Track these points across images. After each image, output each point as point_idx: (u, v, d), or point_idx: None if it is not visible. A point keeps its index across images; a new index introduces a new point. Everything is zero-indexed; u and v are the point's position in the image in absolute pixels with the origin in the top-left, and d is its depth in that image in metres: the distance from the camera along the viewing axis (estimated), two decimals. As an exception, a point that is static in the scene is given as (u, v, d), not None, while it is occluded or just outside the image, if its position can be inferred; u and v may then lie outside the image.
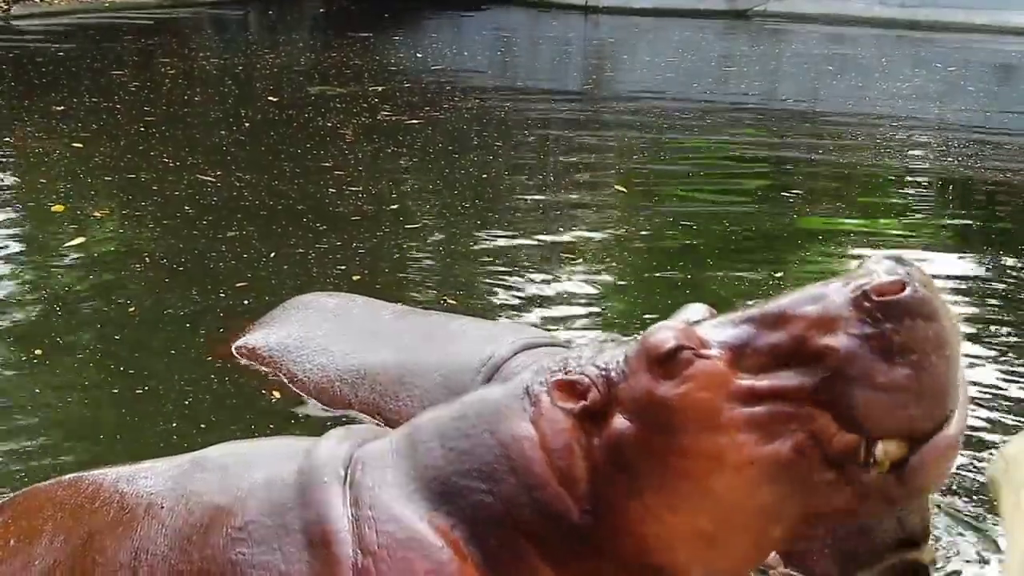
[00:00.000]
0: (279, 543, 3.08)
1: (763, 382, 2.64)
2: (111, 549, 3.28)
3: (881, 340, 2.54)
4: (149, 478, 3.42)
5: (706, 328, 2.75)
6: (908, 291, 2.54)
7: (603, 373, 2.81)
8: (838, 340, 2.57)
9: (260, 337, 5.37)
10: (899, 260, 2.62)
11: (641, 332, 2.79)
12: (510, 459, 2.89)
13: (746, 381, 2.65)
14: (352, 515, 3.04)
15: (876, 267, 2.62)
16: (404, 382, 4.65)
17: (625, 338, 3.01)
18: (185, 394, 5.16)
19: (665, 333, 2.72)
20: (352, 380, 4.83)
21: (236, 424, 4.83)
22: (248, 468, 3.29)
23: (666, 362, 2.69)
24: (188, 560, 3.17)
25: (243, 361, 5.34)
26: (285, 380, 5.09)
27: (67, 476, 3.65)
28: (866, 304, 2.56)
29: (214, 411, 4.99)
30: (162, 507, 3.29)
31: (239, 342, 5.44)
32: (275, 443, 3.48)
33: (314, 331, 5.16)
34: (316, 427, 4.71)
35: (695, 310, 2.90)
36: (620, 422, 2.77)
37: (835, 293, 2.62)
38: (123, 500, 3.38)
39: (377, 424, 4.66)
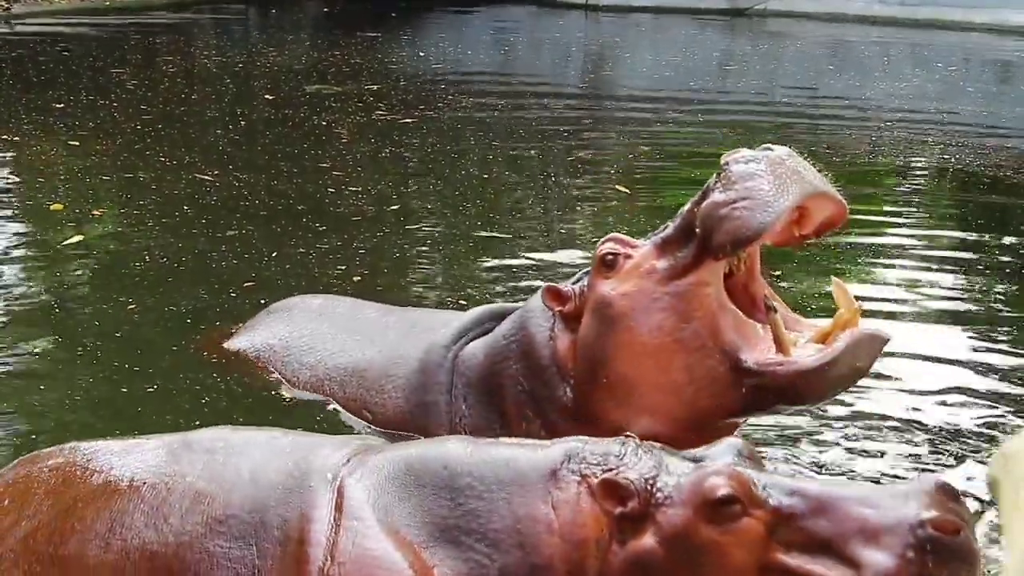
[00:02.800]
0: (256, 539, 3.13)
1: (796, 563, 2.70)
2: (90, 518, 3.35)
3: (921, 571, 2.59)
4: (138, 453, 3.48)
5: (760, 482, 2.77)
6: (961, 536, 2.60)
7: (648, 487, 2.83)
8: (880, 557, 2.62)
9: (246, 340, 5.36)
10: (955, 494, 2.68)
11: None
12: (520, 535, 2.92)
13: (782, 556, 2.71)
14: (333, 520, 3.05)
15: (934, 495, 2.65)
16: (389, 374, 4.69)
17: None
18: (190, 394, 5.13)
19: (721, 479, 2.75)
20: (340, 378, 4.85)
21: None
22: (235, 457, 3.33)
23: (716, 508, 2.74)
24: (163, 542, 3.22)
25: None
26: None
27: (69, 444, 3.71)
28: (920, 533, 2.59)
29: (224, 410, 4.96)
30: (144, 482, 3.35)
31: (225, 346, 5.41)
32: (265, 436, 3.49)
33: (300, 332, 5.17)
34: (322, 426, 4.71)
35: (732, 445, 2.91)
36: (650, 542, 2.80)
37: (892, 507, 2.65)
38: (110, 471, 3.44)
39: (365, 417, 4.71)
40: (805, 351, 3.80)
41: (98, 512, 3.35)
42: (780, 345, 3.83)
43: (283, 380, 5.04)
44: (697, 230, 3.84)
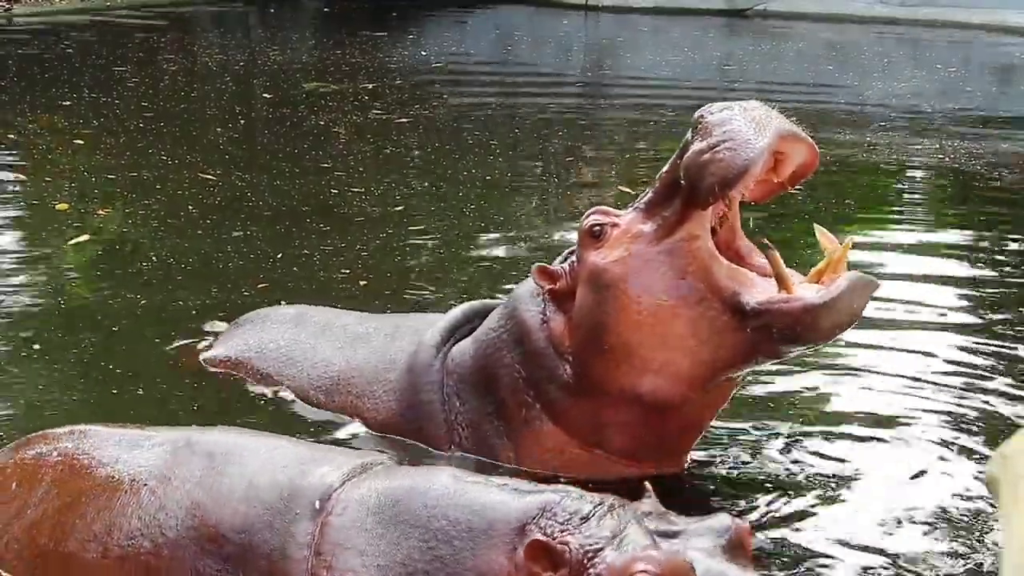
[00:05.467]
0: (243, 564, 3.15)
1: None
2: (90, 516, 3.37)
3: None
4: (145, 449, 3.49)
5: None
6: None
7: (584, 558, 2.78)
8: None
9: (221, 352, 5.30)
10: None
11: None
12: None
13: None
14: (311, 566, 3.07)
15: None
16: (380, 379, 4.69)
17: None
18: (185, 399, 5.10)
19: (647, 567, 2.68)
20: (327, 387, 4.83)
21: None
22: (232, 467, 3.33)
23: None
24: (157, 555, 3.25)
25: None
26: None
27: (80, 426, 3.72)
28: None
29: (215, 417, 4.93)
30: (145, 485, 3.37)
31: (202, 358, 5.34)
32: (266, 444, 3.47)
33: (277, 343, 5.11)
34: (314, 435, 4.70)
35: (716, 529, 2.83)
36: None
37: None
38: (115, 466, 3.45)
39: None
40: (807, 289, 3.88)
41: (98, 512, 3.37)
42: (782, 282, 3.91)
43: (267, 392, 5.01)
44: (682, 182, 3.92)
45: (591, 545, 2.78)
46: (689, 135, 3.95)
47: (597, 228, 4.12)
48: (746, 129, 3.81)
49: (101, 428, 3.68)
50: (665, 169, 4.05)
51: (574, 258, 4.23)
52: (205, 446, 3.43)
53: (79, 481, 3.46)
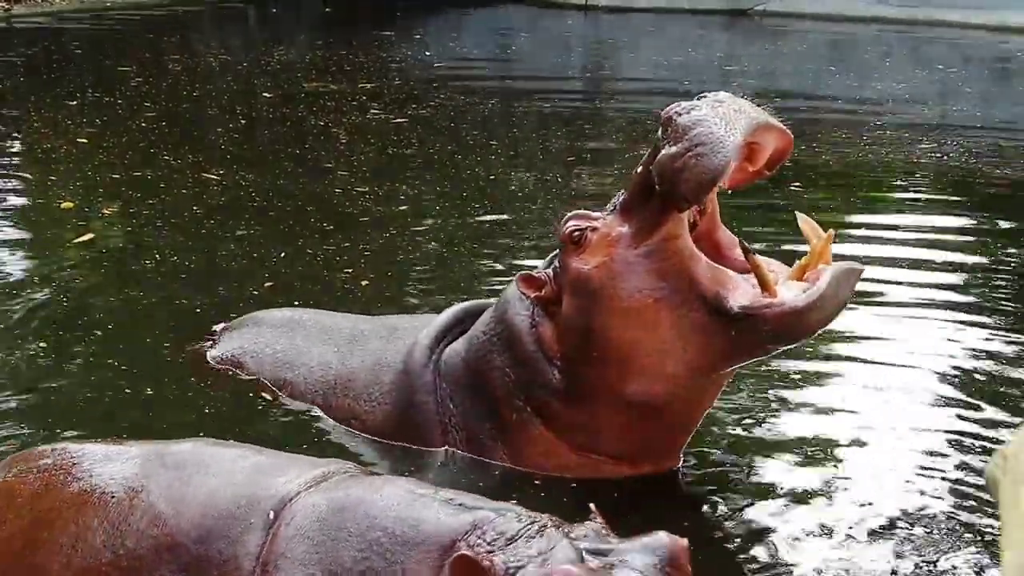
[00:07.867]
0: (199, 573, 3.14)
1: None
2: (58, 529, 3.37)
3: None
4: (117, 462, 3.49)
5: None
6: None
7: (504, 572, 2.75)
8: None
9: (218, 355, 5.28)
10: None
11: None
12: None
13: None
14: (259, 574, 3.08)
15: None
16: (377, 381, 4.70)
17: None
18: (187, 401, 5.11)
19: None
20: (325, 391, 4.84)
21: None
22: (198, 477, 3.33)
23: None
24: (117, 565, 3.24)
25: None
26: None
27: (61, 444, 3.75)
28: None
29: (218, 421, 4.92)
30: (112, 496, 3.36)
31: (201, 360, 5.33)
32: (233, 454, 3.46)
33: (271, 347, 5.11)
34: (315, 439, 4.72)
35: (654, 548, 2.74)
36: None
37: None
38: (87, 480, 3.45)
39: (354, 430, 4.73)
40: (790, 290, 3.88)
41: (66, 524, 3.36)
42: (765, 286, 3.90)
43: (266, 396, 5.01)
44: (656, 187, 3.92)
45: (514, 563, 2.76)
46: (660, 134, 3.95)
47: (577, 233, 4.12)
48: (716, 130, 3.81)
49: (82, 444, 3.69)
50: (638, 170, 4.06)
51: (557, 263, 4.24)
52: (176, 457, 3.42)
53: (52, 495, 3.47)
